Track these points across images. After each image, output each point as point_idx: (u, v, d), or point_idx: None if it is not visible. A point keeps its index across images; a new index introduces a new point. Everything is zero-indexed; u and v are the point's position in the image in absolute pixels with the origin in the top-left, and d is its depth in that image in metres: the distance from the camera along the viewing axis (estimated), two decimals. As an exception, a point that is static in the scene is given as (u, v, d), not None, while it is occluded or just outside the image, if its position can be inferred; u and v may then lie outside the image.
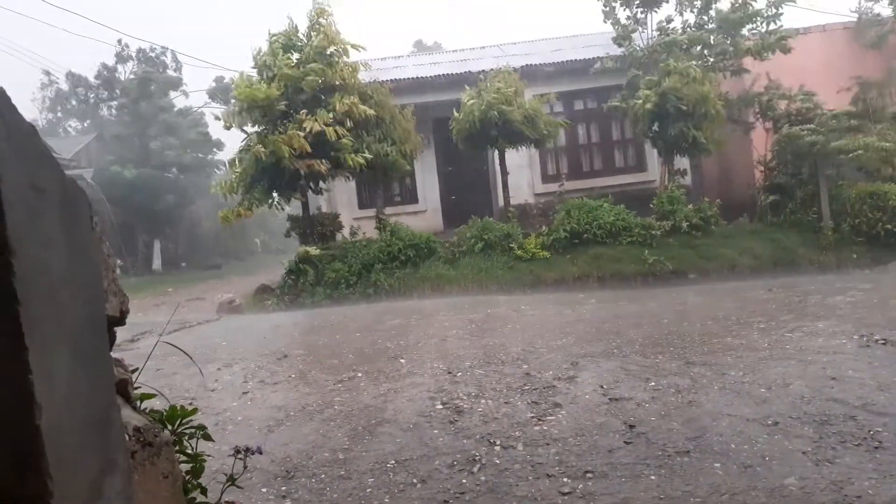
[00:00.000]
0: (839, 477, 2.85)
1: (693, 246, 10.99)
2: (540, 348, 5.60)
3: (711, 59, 13.11)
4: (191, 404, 1.87)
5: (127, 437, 1.31)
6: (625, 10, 13.82)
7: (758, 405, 3.82)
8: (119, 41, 30.07)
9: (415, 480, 3.18)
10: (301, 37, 11.92)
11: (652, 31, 13.81)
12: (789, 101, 12.26)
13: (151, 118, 24.06)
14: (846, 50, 14.27)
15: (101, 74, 31.01)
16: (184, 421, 1.72)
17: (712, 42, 13.14)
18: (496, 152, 12.48)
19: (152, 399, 1.71)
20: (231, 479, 1.92)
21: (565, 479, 3.06)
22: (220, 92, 28.84)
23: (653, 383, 4.37)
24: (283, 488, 3.20)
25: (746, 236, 11.34)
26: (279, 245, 25.49)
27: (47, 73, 34.36)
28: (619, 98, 13.15)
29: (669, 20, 13.64)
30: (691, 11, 13.50)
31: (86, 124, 33.61)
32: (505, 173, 12.40)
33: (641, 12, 13.84)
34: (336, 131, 10.80)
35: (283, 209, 12.81)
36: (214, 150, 26.96)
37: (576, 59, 14.86)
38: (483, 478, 3.15)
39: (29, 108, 34.34)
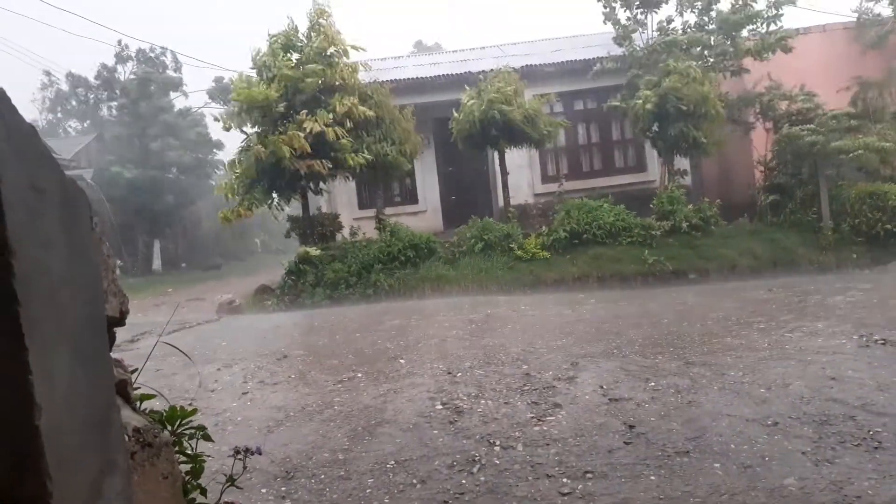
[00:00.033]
0: (839, 477, 2.85)
1: (693, 246, 10.99)
2: (540, 348, 5.60)
3: (711, 60, 13.11)
4: (190, 405, 1.87)
5: (127, 438, 1.32)
6: (625, 11, 13.83)
7: (757, 405, 3.82)
8: (119, 41, 30.09)
9: (414, 481, 3.18)
10: (301, 37, 11.92)
11: (652, 31, 13.82)
12: (790, 101, 12.27)
13: (151, 118, 24.05)
14: (846, 50, 14.27)
15: (100, 75, 31.00)
16: (183, 421, 1.72)
17: (712, 43, 13.14)
18: (496, 152, 12.48)
19: (152, 399, 1.71)
20: (230, 480, 1.92)
21: (565, 480, 3.06)
22: (219, 92, 28.83)
23: (652, 384, 4.37)
24: (283, 489, 3.20)
25: (746, 236, 11.34)
26: (279, 245, 25.49)
27: (47, 74, 34.40)
28: (619, 98, 13.16)
29: (670, 21, 13.65)
30: (692, 12, 13.51)
31: (86, 125, 33.62)
32: (505, 173, 12.40)
33: (641, 13, 13.85)
34: (336, 132, 10.80)
35: (282, 209, 12.81)
36: (214, 150, 26.95)
37: (576, 60, 14.85)
38: (483, 478, 3.15)
39: (29, 108, 34.39)
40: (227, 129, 11.69)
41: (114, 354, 1.41)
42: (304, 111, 10.95)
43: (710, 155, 12.45)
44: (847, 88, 12.26)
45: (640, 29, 13.83)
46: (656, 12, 13.84)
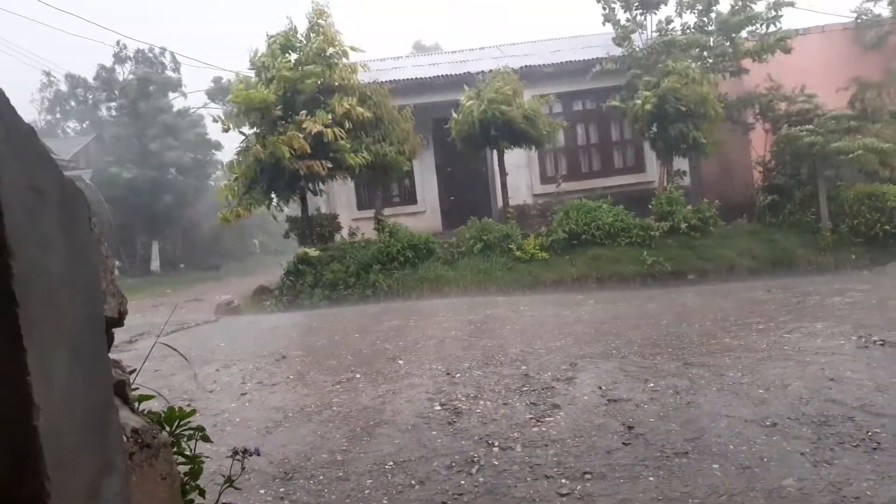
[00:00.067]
0: (837, 478, 2.85)
1: (692, 247, 11.00)
2: (538, 349, 5.60)
3: (711, 61, 13.12)
4: (189, 405, 1.87)
5: (125, 439, 1.32)
6: (624, 11, 13.84)
7: (756, 406, 3.82)
8: (118, 42, 30.08)
9: (413, 482, 3.18)
10: (300, 38, 11.91)
11: (651, 32, 13.83)
12: (789, 102, 12.28)
13: (150, 119, 24.03)
14: (846, 50, 14.29)
15: (99, 75, 30.98)
16: (182, 422, 1.72)
17: (711, 44, 13.15)
18: (495, 153, 12.49)
19: (150, 400, 1.71)
20: (229, 481, 1.92)
21: (564, 481, 3.06)
22: (218, 93, 28.79)
23: (651, 384, 4.37)
24: (282, 490, 3.20)
25: (745, 237, 11.35)
26: (278, 246, 25.47)
27: (46, 74, 34.36)
28: (618, 98, 13.17)
29: (669, 21, 13.66)
30: (691, 13, 13.52)
31: (85, 125, 33.58)
32: (504, 174, 12.40)
33: (641, 14, 13.85)
34: (335, 132, 10.80)
35: (281, 210, 12.81)
36: (213, 151, 26.95)
37: (575, 60, 14.85)
38: (481, 479, 3.15)
39: (28, 109, 34.35)
40: (226, 131, 11.68)
41: (112, 355, 1.41)
42: (304, 112, 10.95)
43: (709, 155, 12.45)
44: (846, 89, 12.27)
45: (640, 30, 13.84)
46: (655, 13, 13.85)
